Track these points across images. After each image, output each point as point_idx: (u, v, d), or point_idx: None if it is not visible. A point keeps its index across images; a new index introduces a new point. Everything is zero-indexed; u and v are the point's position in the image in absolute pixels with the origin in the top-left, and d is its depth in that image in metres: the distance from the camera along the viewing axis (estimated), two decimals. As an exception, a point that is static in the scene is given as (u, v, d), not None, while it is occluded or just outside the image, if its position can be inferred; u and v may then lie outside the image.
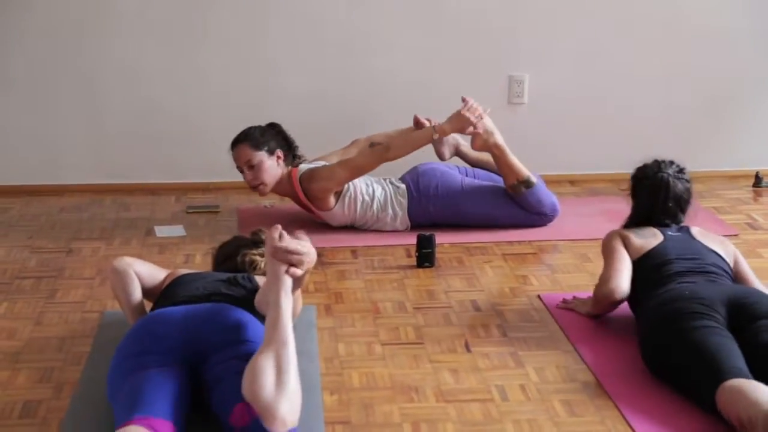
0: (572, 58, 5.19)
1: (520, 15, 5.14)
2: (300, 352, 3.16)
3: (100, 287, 3.84)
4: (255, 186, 4.39)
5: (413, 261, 4.09)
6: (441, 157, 4.56)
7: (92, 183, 5.13)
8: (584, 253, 4.20)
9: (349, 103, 5.14)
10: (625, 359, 3.18)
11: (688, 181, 3.56)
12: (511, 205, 4.45)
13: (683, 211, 3.54)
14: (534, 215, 4.47)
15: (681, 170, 3.57)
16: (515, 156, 4.44)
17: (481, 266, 4.07)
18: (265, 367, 2.53)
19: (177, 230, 4.53)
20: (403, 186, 4.47)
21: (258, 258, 3.25)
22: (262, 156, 4.35)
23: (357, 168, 4.35)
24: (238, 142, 4.39)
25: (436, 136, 4.40)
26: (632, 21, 5.18)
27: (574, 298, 3.61)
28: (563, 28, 5.16)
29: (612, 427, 2.82)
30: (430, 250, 4.05)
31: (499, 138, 4.43)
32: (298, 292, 2.96)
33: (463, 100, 4.41)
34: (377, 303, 3.70)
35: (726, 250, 3.42)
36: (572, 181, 5.26)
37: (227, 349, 2.70)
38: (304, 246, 2.76)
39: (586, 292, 3.69)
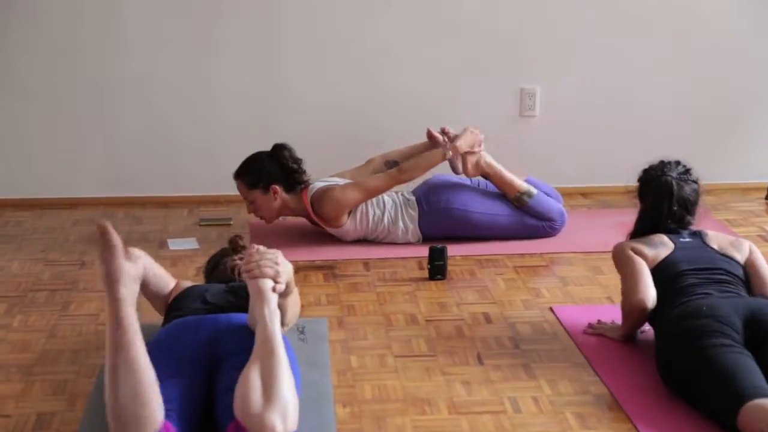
0: (584, 70, 5.19)
1: (532, 28, 5.15)
2: (312, 365, 3.23)
3: (113, 300, 3.85)
4: (258, 217, 4.50)
5: (425, 273, 4.09)
6: (455, 171, 4.57)
7: (105, 196, 5.15)
8: (597, 265, 4.20)
9: (362, 117, 5.15)
10: (640, 373, 3.18)
11: (695, 181, 3.47)
12: (521, 213, 4.47)
13: (691, 213, 3.45)
14: (545, 222, 4.48)
15: (687, 171, 3.48)
16: (516, 169, 4.55)
17: (493, 278, 4.08)
18: (252, 382, 2.56)
19: (190, 243, 4.55)
20: (413, 198, 4.48)
21: (240, 263, 3.27)
22: (256, 195, 4.42)
23: (370, 190, 4.38)
24: (235, 177, 4.47)
25: (449, 155, 4.43)
26: (646, 31, 5.19)
27: (599, 322, 3.54)
28: (574, 40, 5.18)
29: (625, 439, 2.82)
30: (442, 263, 4.06)
31: (489, 158, 4.50)
32: (294, 296, 3.02)
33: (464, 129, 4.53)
34: (389, 315, 3.70)
35: (741, 251, 3.35)
36: (584, 194, 5.26)
37: (236, 357, 2.71)
38: (276, 258, 2.81)
39: (600, 305, 3.70)
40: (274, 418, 2.51)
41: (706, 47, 5.21)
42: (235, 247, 3.40)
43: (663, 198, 3.43)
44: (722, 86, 5.25)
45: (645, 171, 3.54)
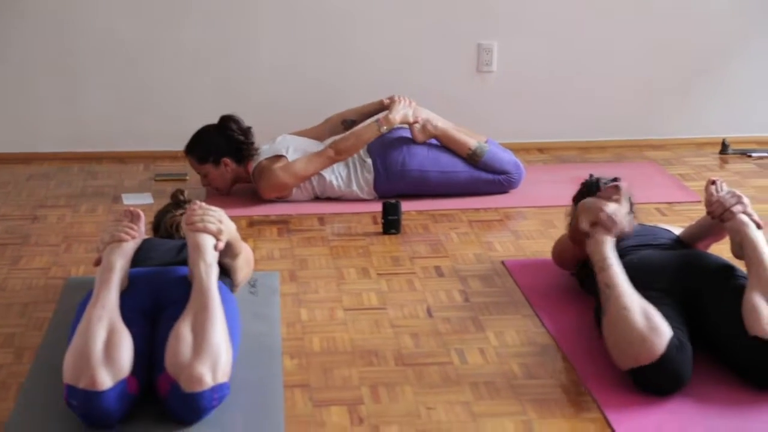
0: (541, 27, 5.18)
1: (489, -18, 5.14)
2: (262, 317, 3.25)
3: (65, 254, 3.85)
4: (213, 188, 4.51)
5: (380, 228, 4.10)
6: (416, 140, 4.54)
7: (61, 151, 5.11)
8: (549, 219, 4.22)
9: (320, 76, 5.13)
10: (585, 323, 3.20)
11: None
12: (477, 170, 4.48)
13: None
14: (501, 176, 4.50)
15: (615, 179, 3.48)
16: (475, 134, 4.55)
17: (446, 233, 4.09)
18: (182, 334, 2.60)
19: (144, 198, 4.53)
20: (369, 161, 4.46)
21: (180, 219, 3.28)
22: (207, 168, 4.44)
23: (301, 174, 4.37)
24: (186, 153, 4.48)
25: (384, 129, 4.43)
26: (602, -10, 5.20)
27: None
28: (532, -4, 5.17)
29: (570, 388, 2.85)
30: (396, 218, 4.07)
31: (437, 120, 4.51)
32: (245, 257, 3.12)
33: (391, 98, 4.54)
34: (342, 269, 3.71)
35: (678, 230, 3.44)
36: (541, 149, 5.28)
37: (173, 308, 2.73)
38: (219, 216, 2.86)
39: (550, 258, 3.70)
40: (203, 370, 2.54)
41: (665, 5, 5.21)
42: (177, 201, 3.39)
43: (590, 195, 3.40)
44: (679, 44, 5.26)
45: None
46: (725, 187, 3.17)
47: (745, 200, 3.10)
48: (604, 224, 3.04)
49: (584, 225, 3.07)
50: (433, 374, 2.93)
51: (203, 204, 2.88)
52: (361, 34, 5.12)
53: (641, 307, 2.79)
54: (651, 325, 2.74)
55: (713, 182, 3.18)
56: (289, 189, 4.39)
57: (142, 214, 2.95)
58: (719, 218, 3.09)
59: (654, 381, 2.76)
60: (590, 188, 3.56)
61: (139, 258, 3.04)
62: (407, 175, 4.44)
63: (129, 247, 2.85)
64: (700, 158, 5.12)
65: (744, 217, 3.06)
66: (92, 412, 2.52)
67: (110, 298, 2.68)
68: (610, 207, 3.07)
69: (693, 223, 3.37)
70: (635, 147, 5.30)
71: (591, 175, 3.64)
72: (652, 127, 5.35)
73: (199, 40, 5.07)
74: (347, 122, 4.60)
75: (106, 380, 2.52)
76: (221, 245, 2.83)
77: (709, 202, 3.13)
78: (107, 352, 2.56)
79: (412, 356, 3.04)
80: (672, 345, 2.74)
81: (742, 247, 3.02)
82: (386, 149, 4.48)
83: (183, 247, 3.11)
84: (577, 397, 2.81)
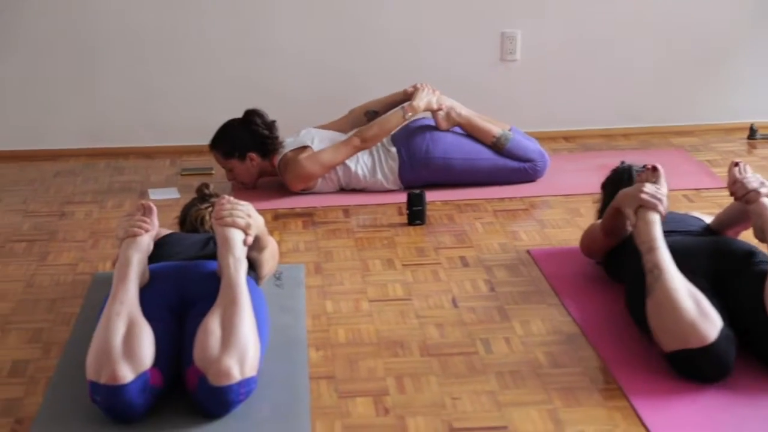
0: (564, 14, 5.15)
1: (512, -29, 5.12)
2: (287, 310, 3.26)
3: (92, 249, 3.87)
4: (238, 183, 4.53)
5: (405, 219, 4.10)
6: (439, 127, 4.54)
7: (87, 147, 5.14)
8: (576, 207, 4.20)
9: (343, 66, 5.12)
10: (611, 312, 3.19)
11: None
12: (502, 156, 4.48)
13: None
14: (526, 164, 4.48)
15: (645, 166, 3.52)
16: (499, 122, 4.55)
17: (471, 223, 4.08)
18: (210, 328, 2.60)
19: (171, 192, 4.55)
20: (393, 149, 4.46)
21: (205, 213, 3.29)
22: (233, 163, 4.46)
23: (327, 163, 4.37)
24: (211, 148, 4.49)
25: (408, 116, 4.42)
26: (626, -26, 5.16)
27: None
28: (555, -17, 5.14)
29: (594, 376, 2.84)
30: (420, 208, 4.06)
31: (461, 108, 4.50)
32: (271, 250, 3.12)
33: (414, 86, 4.53)
34: (367, 261, 3.71)
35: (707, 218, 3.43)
36: (567, 137, 5.25)
37: (202, 303, 2.73)
38: (248, 210, 2.86)
39: (576, 246, 3.68)
40: (230, 363, 2.55)
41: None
42: (202, 195, 3.40)
43: (622, 180, 3.49)
44: (705, 27, 5.21)
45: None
46: (749, 170, 3.15)
47: None
48: (649, 203, 3.02)
49: (629, 212, 3.05)
50: (458, 364, 2.93)
51: (231, 198, 2.89)
52: (384, 25, 5.11)
53: (690, 291, 2.78)
54: (702, 309, 2.73)
55: (736, 164, 3.17)
56: (315, 178, 4.39)
57: (154, 206, 2.94)
58: (742, 200, 3.07)
59: (698, 366, 2.74)
60: (621, 174, 3.54)
61: (164, 253, 3.06)
62: (431, 162, 4.43)
63: (144, 240, 2.84)
64: (727, 144, 5.07)
65: (767, 201, 3.03)
66: (116, 406, 2.54)
67: (128, 293, 2.69)
68: (649, 186, 3.06)
69: (721, 210, 3.35)
70: (661, 134, 5.26)
71: (622, 162, 3.63)
72: (679, 114, 5.30)
73: (220, 35, 5.07)
74: (370, 113, 4.61)
75: (127, 374, 2.53)
76: (250, 240, 2.83)
77: (732, 183, 3.11)
78: (127, 346, 2.57)
79: (437, 346, 3.04)
80: (723, 333, 2.73)
81: (763, 230, 3.00)
82: (410, 137, 4.48)
83: (208, 240, 3.12)
84: (603, 385, 2.79)
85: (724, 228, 3.28)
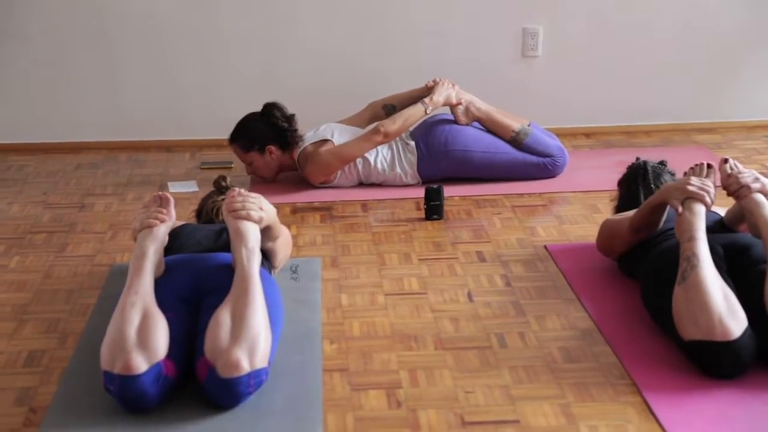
0: (586, 10, 5.14)
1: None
2: (303, 303, 3.26)
3: (111, 241, 3.89)
4: (258, 177, 4.55)
5: (422, 214, 4.09)
6: (459, 122, 4.54)
7: (108, 140, 5.17)
8: (594, 204, 4.19)
9: (363, 60, 5.13)
10: (627, 308, 3.18)
11: (672, 174, 3.58)
12: (521, 152, 4.47)
13: None
14: (546, 159, 4.47)
15: (662, 162, 3.60)
16: (518, 116, 4.55)
17: (489, 218, 4.08)
18: (221, 319, 2.61)
19: (190, 185, 4.57)
20: (412, 143, 4.46)
21: (221, 204, 3.30)
22: (253, 156, 4.48)
23: (348, 156, 4.38)
24: (231, 142, 4.51)
25: (429, 110, 4.42)
26: (648, -30, 5.13)
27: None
28: (577, -21, 5.12)
29: (608, 372, 2.82)
30: (438, 203, 4.05)
31: (480, 103, 4.50)
32: (285, 239, 3.15)
33: (434, 81, 4.54)
34: (383, 255, 3.71)
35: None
36: (587, 134, 5.23)
37: (215, 295, 2.74)
38: (260, 203, 2.89)
39: (593, 242, 3.67)
40: (240, 355, 2.55)
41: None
42: (219, 187, 3.42)
43: (638, 177, 3.52)
44: (727, 24, 5.18)
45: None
46: (740, 166, 3.14)
47: (764, 180, 3.06)
48: (697, 194, 3.02)
49: (675, 203, 3.04)
50: (472, 358, 2.92)
51: (242, 191, 2.90)
52: (405, 20, 5.11)
53: (722, 286, 2.78)
54: (730, 305, 2.73)
55: (725, 160, 3.15)
56: (335, 171, 4.40)
57: (170, 197, 2.97)
58: (734, 195, 3.07)
59: (717, 359, 2.72)
60: (636, 171, 3.55)
61: (178, 244, 3.07)
62: (450, 154, 4.43)
63: (161, 231, 2.86)
64: (750, 141, 5.04)
65: (759, 197, 3.01)
66: (129, 395, 2.55)
67: (143, 284, 2.70)
68: (695, 179, 3.06)
69: (732, 206, 3.33)
70: (683, 131, 5.23)
71: (637, 158, 3.62)
72: (701, 111, 5.27)
73: (242, 30, 5.09)
74: (388, 107, 4.60)
75: (140, 364, 2.54)
76: (256, 220, 2.86)
77: (725, 179, 3.10)
78: (141, 336, 2.58)
79: (452, 340, 3.03)
80: (747, 332, 2.72)
81: (757, 227, 2.98)
82: (429, 130, 4.48)
83: (222, 231, 3.13)
84: (617, 381, 2.78)
85: (736, 223, 3.27)
